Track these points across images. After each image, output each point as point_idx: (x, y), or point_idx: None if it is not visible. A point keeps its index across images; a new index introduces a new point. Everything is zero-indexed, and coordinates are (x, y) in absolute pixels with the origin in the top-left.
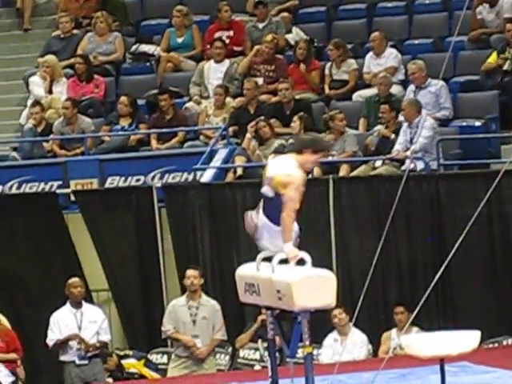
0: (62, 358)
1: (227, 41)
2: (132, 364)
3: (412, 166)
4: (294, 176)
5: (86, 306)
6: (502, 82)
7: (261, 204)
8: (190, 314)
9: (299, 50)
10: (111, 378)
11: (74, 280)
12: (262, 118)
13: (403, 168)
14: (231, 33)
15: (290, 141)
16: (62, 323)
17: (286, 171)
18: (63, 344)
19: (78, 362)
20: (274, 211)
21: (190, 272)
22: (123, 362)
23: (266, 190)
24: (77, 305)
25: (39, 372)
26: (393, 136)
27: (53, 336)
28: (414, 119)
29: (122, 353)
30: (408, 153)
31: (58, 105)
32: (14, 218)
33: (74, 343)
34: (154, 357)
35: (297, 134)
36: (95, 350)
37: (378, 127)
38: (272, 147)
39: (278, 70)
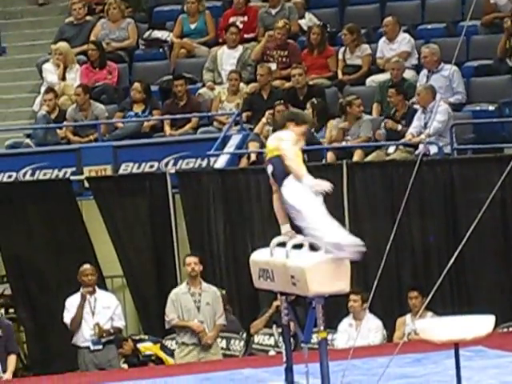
0: (76, 342)
1: (241, 26)
2: (148, 347)
3: (425, 150)
4: (282, 135)
5: (99, 292)
6: None
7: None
8: (193, 301)
9: (313, 35)
10: (126, 363)
11: (86, 267)
12: (281, 101)
13: (417, 152)
14: (245, 18)
15: None
16: (76, 307)
17: (272, 139)
18: (79, 323)
19: (92, 347)
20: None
21: (190, 259)
22: (139, 345)
23: (268, 168)
24: (89, 292)
25: (53, 358)
26: (400, 127)
27: (69, 316)
28: (429, 104)
29: (137, 337)
30: (422, 136)
31: (71, 91)
32: (28, 205)
33: (87, 329)
34: (169, 343)
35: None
36: (109, 336)
37: (385, 120)
38: None
39: (292, 56)
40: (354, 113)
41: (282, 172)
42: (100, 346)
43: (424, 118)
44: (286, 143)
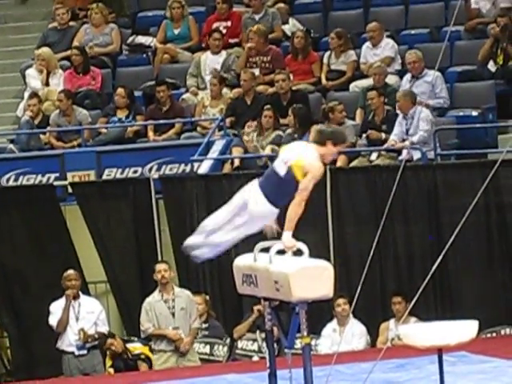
0: (61, 346)
1: (224, 31)
2: (137, 347)
3: (409, 156)
4: (316, 167)
5: (82, 297)
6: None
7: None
8: (167, 308)
9: (296, 39)
10: (112, 368)
11: (69, 273)
12: (269, 106)
13: (400, 158)
14: (229, 23)
15: (288, 131)
16: (61, 312)
17: (309, 159)
18: (65, 325)
19: (77, 352)
20: (272, 189)
21: (160, 266)
22: (128, 345)
23: (279, 167)
24: (73, 297)
25: (37, 363)
26: (384, 136)
27: (54, 318)
28: (409, 110)
29: (126, 337)
30: (406, 143)
31: (55, 97)
32: (12, 210)
33: (72, 334)
34: (150, 344)
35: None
36: (94, 341)
37: (369, 132)
38: (270, 138)
39: (274, 61)
40: (337, 118)
41: (273, 196)
42: (85, 351)
43: (406, 124)
44: (309, 182)
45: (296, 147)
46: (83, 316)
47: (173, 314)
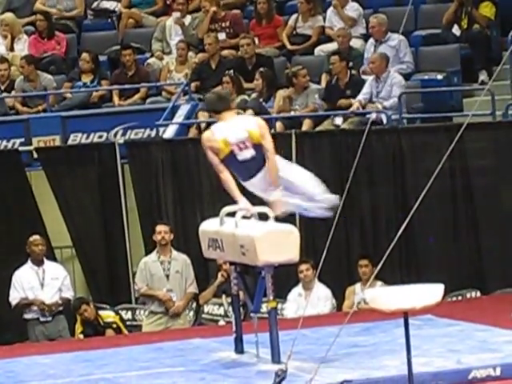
0: (26, 316)
1: None
2: (109, 315)
3: (377, 119)
4: (264, 124)
5: (47, 263)
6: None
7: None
8: (163, 269)
9: (259, 4)
10: (82, 334)
11: (35, 238)
12: (230, 72)
13: (370, 119)
14: None
15: (253, 96)
16: (25, 281)
17: (254, 123)
18: (26, 305)
19: (41, 319)
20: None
21: (161, 227)
22: (101, 312)
23: (248, 153)
24: (38, 262)
25: (3, 329)
26: (352, 102)
27: (16, 295)
28: (382, 73)
29: (98, 305)
30: (378, 105)
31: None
32: None
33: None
34: (123, 312)
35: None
36: (58, 307)
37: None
38: (235, 103)
39: (235, 26)
40: (301, 83)
41: (260, 162)
42: (49, 318)
43: (377, 86)
44: (270, 137)
45: (232, 129)
46: (48, 283)
47: (167, 276)
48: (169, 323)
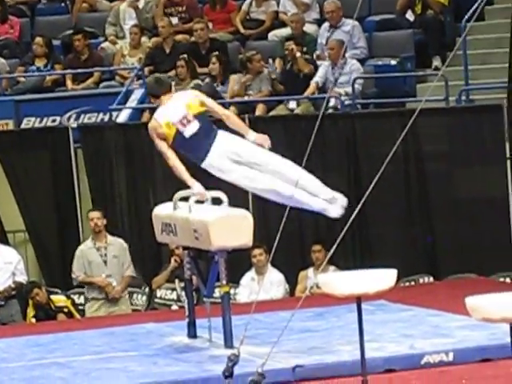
0: None
1: None
2: (61, 299)
3: (337, 104)
4: (199, 93)
5: (0, 247)
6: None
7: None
8: (99, 256)
9: None
10: (35, 318)
11: None
12: (184, 56)
13: (330, 105)
14: None
15: (206, 80)
16: None
17: (191, 95)
18: None
19: None
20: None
21: (93, 214)
22: (52, 297)
23: (193, 127)
24: None
25: None
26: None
27: None
28: (339, 60)
29: (50, 289)
30: (341, 90)
31: None
32: None
33: None
34: (76, 297)
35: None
36: (11, 291)
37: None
38: (188, 87)
39: (190, 10)
40: (255, 68)
41: (210, 133)
42: (2, 302)
43: (333, 73)
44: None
45: (171, 102)
46: (1, 267)
47: (105, 262)
48: (110, 309)
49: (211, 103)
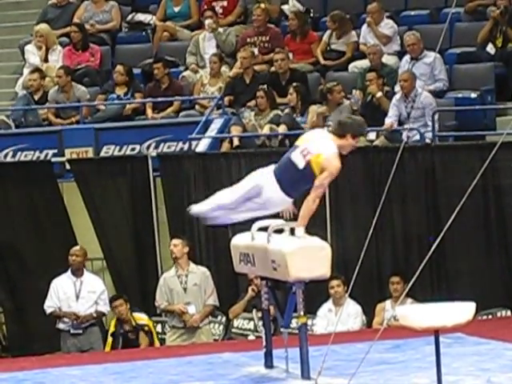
0: (59, 325)
1: (221, 11)
2: (143, 318)
3: (406, 138)
4: (334, 165)
5: (86, 275)
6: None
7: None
8: (180, 283)
9: (292, 21)
10: (112, 337)
11: (75, 248)
12: (264, 87)
13: (403, 137)
14: (225, 3)
15: (286, 111)
16: (61, 291)
17: (328, 156)
18: (58, 315)
19: (72, 331)
20: (287, 179)
21: (173, 241)
22: (135, 314)
23: (297, 159)
24: (76, 273)
25: (33, 339)
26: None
27: (50, 303)
28: (411, 92)
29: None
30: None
31: (53, 73)
32: (9, 186)
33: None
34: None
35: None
36: (91, 320)
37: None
38: (268, 117)
39: (273, 41)
40: (335, 99)
41: (289, 188)
42: (80, 331)
43: (405, 106)
44: (326, 180)
45: (317, 138)
46: (83, 295)
47: (184, 290)
48: (191, 338)
49: (322, 173)
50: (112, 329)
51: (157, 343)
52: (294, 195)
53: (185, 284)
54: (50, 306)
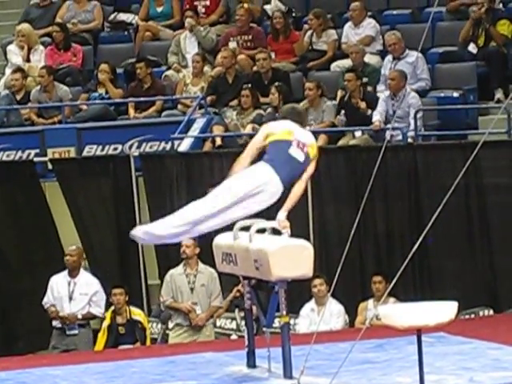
0: (54, 323)
1: (203, 10)
2: (139, 313)
3: (389, 137)
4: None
5: (83, 275)
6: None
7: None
8: (187, 282)
9: (275, 19)
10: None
11: (70, 248)
12: (249, 85)
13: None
14: (207, 2)
15: (269, 110)
16: (55, 289)
17: (315, 144)
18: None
19: (67, 332)
20: (290, 172)
21: (185, 241)
22: (131, 308)
23: (298, 155)
24: (72, 273)
25: (15, 339)
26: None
27: (46, 300)
28: (399, 91)
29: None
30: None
31: (36, 73)
32: None
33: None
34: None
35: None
36: (82, 321)
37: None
38: (250, 117)
39: (255, 40)
40: (309, 96)
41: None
42: (76, 331)
43: (393, 104)
44: (314, 165)
45: (297, 129)
46: (75, 297)
47: (191, 290)
48: (194, 336)
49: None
50: (108, 321)
51: (148, 341)
52: (287, 185)
53: (192, 284)
54: (46, 302)
